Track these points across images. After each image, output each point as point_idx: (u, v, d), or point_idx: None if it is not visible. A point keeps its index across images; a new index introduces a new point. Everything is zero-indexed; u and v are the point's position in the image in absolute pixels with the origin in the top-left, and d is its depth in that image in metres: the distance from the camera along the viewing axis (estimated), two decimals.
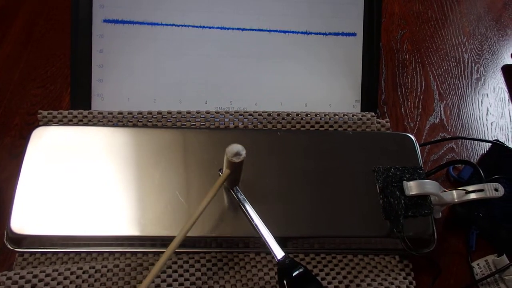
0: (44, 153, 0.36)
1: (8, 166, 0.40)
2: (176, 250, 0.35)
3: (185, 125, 0.41)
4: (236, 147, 0.31)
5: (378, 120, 0.43)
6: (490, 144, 0.46)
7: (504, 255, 0.37)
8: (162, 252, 0.34)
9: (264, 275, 0.34)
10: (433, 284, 0.36)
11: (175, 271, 0.34)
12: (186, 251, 0.35)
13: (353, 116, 0.42)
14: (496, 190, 0.35)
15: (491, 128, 0.48)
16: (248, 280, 0.34)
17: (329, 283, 0.35)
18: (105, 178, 0.36)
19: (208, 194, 0.32)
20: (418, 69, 0.52)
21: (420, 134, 0.47)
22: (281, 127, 0.42)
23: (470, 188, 0.35)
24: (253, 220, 0.33)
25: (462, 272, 0.38)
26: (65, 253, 0.35)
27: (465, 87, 0.52)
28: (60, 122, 0.40)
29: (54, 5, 0.53)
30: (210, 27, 0.43)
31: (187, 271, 0.34)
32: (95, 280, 0.33)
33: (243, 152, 0.31)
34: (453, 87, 0.51)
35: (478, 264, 0.38)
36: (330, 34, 0.44)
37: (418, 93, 0.50)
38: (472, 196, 0.35)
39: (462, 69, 0.53)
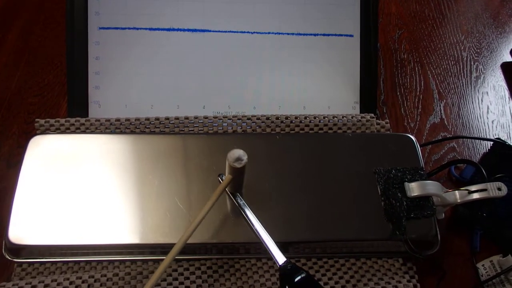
0: (42, 162, 0.36)
1: (6, 175, 0.40)
2: (179, 257, 0.34)
3: (183, 130, 0.41)
4: (237, 152, 0.31)
5: (378, 121, 0.42)
6: (492, 142, 0.45)
7: (510, 255, 0.36)
8: (162, 260, 0.34)
9: (265, 281, 0.34)
10: (437, 286, 0.36)
11: (175, 279, 0.34)
12: (186, 258, 0.35)
13: (352, 117, 0.42)
14: (499, 189, 0.34)
15: (492, 127, 0.48)
16: (249, 286, 0.34)
17: (332, 287, 0.34)
18: (103, 186, 0.36)
19: (210, 200, 0.32)
20: (416, 68, 0.52)
21: (421, 134, 0.47)
22: (280, 130, 0.41)
23: (472, 188, 0.35)
24: (253, 226, 0.33)
25: (467, 274, 0.37)
26: (64, 262, 0.34)
27: (464, 86, 0.51)
28: (58, 130, 0.40)
29: (50, 14, 0.53)
30: (206, 31, 0.43)
31: (188, 278, 0.34)
32: None
33: (245, 157, 0.31)
34: (453, 86, 0.51)
35: (483, 265, 0.37)
36: (327, 35, 0.44)
37: (418, 93, 0.50)
38: (475, 196, 0.35)
39: (461, 67, 0.53)
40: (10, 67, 0.48)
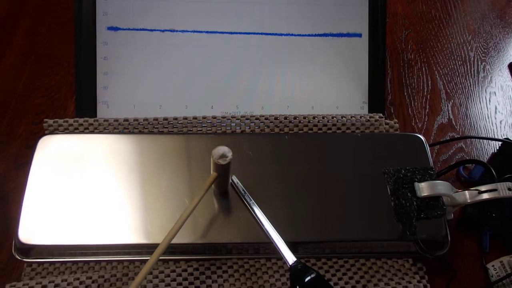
0: (51, 162, 0.36)
1: (14, 176, 0.40)
2: (186, 257, 0.34)
3: (192, 130, 0.41)
4: (222, 149, 0.30)
5: (387, 121, 0.42)
6: (500, 142, 0.45)
7: None
8: (170, 260, 0.34)
9: (275, 281, 0.34)
10: (447, 286, 0.35)
11: (185, 279, 0.34)
12: (196, 258, 0.35)
13: (361, 117, 0.42)
14: (509, 189, 0.34)
15: (500, 127, 0.48)
16: (259, 287, 0.34)
17: (342, 287, 0.34)
18: (112, 186, 0.36)
19: (195, 198, 0.32)
20: (424, 68, 0.52)
21: (428, 135, 0.46)
22: (288, 130, 0.41)
23: (482, 188, 0.35)
24: (263, 225, 0.33)
25: (477, 274, 0.37)
26: (73, 262, 0.34)
27: (472, 86, 0.51)
28: (66, 131, 0.40)
29: (56, 14, 0.53)
30: (214, 32, 0.43)
31: (197, 278, 0.34)
32: None
33: (229, 154, 0.30)
34: (460, 86, 0.51)
35: (493, 266, 0.37)
36: (335, 35, 0.44)
37: (425, 93, 0.50)
38: (485, 196, 0.34)
39: (468, 67, 0.53)
40: (17, 69, 0.48)
